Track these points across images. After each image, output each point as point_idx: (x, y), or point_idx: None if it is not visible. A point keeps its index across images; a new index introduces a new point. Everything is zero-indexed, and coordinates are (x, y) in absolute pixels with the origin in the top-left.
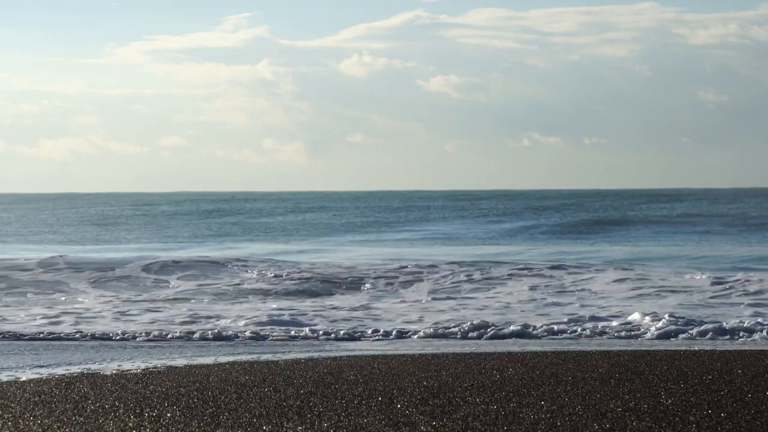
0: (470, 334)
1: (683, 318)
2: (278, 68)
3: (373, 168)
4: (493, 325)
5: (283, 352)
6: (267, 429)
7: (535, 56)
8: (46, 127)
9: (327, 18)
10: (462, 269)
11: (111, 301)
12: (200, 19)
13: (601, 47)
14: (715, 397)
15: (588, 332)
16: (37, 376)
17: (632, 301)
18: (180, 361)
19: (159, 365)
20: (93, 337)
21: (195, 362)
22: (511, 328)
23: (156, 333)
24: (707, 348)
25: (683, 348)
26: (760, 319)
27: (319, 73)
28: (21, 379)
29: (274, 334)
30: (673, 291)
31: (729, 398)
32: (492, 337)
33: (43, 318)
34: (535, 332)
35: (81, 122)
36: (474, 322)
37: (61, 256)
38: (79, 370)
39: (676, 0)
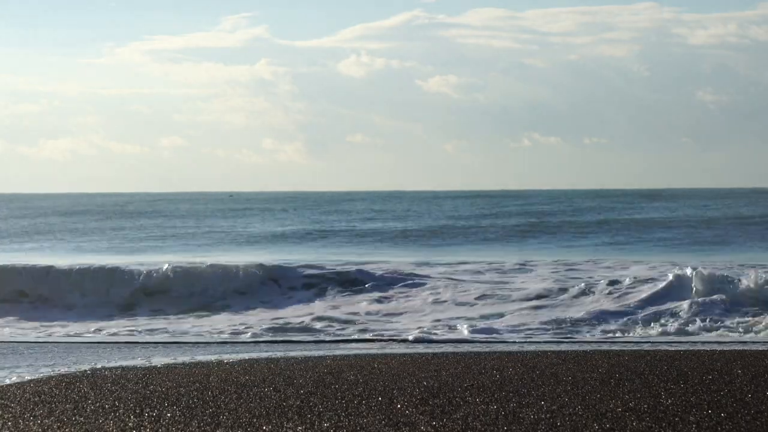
0: None
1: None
2: (277, 68)
3: (373, 168)
4: None
5: (284, 351)
6: (267, 429)
7: (534, 56)
8: (46, 127)
9: (325, 18)
10: None
11: None
12: (199, 19)
13: (599, 47)
14: (715, 397)
15: None
16: (37, 376)
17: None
18: (180, 361)
19: (159, 365)
20: None
21: (195, 362)
22: None
23: None
24: (705, 348)
25: (681, 348)
26: None
27: (317, 73)
28: (21, 379)
29: None
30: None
31: (729, 398)
32: None
33: None
34: None
35: (80, 122)
36: None
37: None
38: (80, 370)
39: (675, 0)
